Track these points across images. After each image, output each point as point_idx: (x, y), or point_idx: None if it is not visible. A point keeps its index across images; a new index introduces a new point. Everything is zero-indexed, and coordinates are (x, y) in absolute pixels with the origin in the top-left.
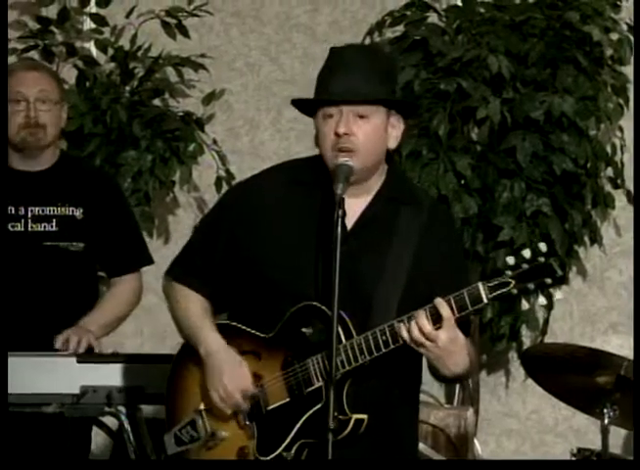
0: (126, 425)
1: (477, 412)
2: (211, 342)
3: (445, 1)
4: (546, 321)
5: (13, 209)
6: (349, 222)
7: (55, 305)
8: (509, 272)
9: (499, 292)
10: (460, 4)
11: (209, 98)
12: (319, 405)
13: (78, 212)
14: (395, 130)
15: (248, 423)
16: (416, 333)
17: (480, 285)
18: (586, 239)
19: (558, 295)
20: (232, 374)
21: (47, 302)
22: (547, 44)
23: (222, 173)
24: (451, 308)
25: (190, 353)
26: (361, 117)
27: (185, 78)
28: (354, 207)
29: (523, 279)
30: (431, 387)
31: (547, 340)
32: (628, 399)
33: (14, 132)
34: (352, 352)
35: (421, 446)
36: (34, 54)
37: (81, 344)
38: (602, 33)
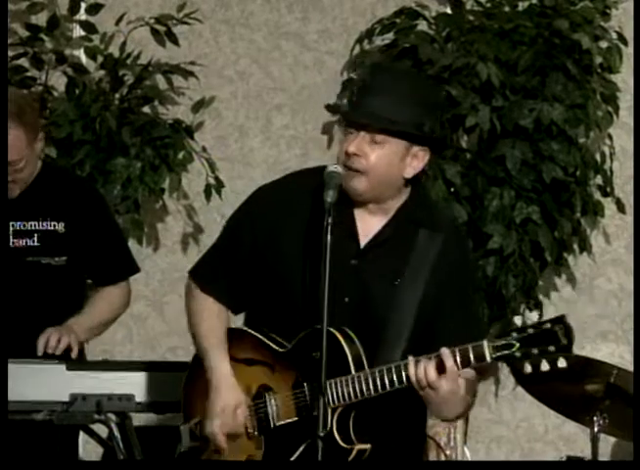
0: (116, 433)
1: (466, 420)
2: (219, 372)
3: (435, 9)
4: None
5: None
6: (364, 239)
7: (39, 320)
8: (515, 334)
9: (503, 353)
10: (449, 12)
11: (199, 105)
12: (325, 431)
13: (60, 227)
14: (416, 161)
15: (256, 434)
16: (421, 379)
17: (486, 343)
18: (575, 247)
19: (561, 363)
20: (226, 420)
21: (31, 317)
22: (536, 52)
23: (212, 181)
24: (455, 361)
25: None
26: (375, 142)
27: (174, 86)
28: (371, 225)
29: (527, 344)
30: None
31: None
32: (618, 407)
33: None
34: (359, 386)
35: None
36: (24, 61)
37: (61, 342)
38: (591, 41)
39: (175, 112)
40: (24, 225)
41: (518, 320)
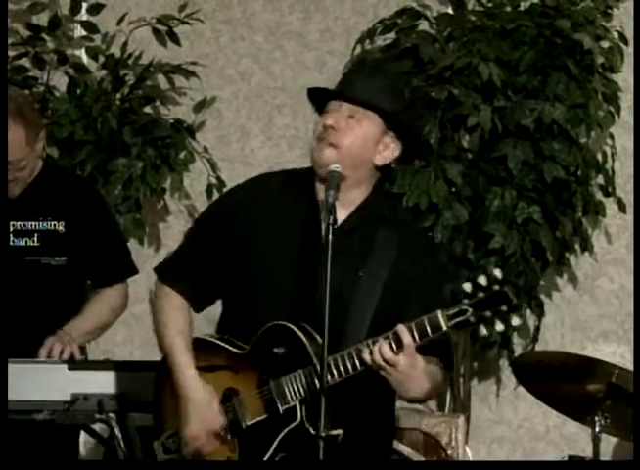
0: (117, 432)
1: (468, 420)
2: (186, 378)
3: (436, 9)
4: (537, 329)
5: None
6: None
7: (38, 320)
8: (466, 300)
9: (458, 320)
10: (451, 12)
11: (200, 105)
12: (296, 423)
13: (60, 226)
14: (387, 151)
15: (229, 438)
16: (377, 358)
17: (440, 313)
18: (577, 247)
19: (515, 321)
20: (202, 418)
21: (30, 316)
22: (538, 52)
23: (213, 181)
24: (412, 335)
25: (165, 365)
26: (351, 116)
27: (176, 86)
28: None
29: (479, 307)
30: None
31: (538, 347)
32: (619, 407)
33: None
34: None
35: (402, 447)
36: (25, 61)
37: (64, 353)
38: (593, 41)
39: (177, 112)
40: (25, 225)
41: (467, 287)
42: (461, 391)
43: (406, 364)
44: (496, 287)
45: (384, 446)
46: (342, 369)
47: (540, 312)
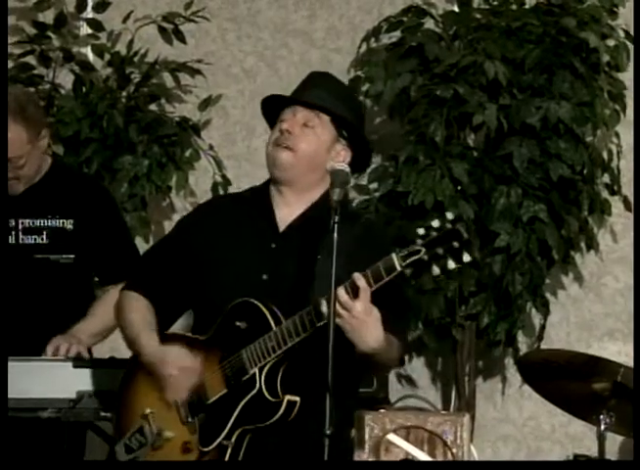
0: None
1: (473, 418)
2: (150, 344)
3: (442, 7)
4: (542, 327)
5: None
6: (282, 225)
7: (47, 317)
8: (419, 241)
9: (411, 259)
10: (457, 10)
11: (206, 103)
12: (254, 391)
13: (69, 224)
14: (338, 158)
15: (190, 420)
16: (334, 302)
17: (394, 255)
18: (583, 245)
19: (466, 257)
20: (177, 358)
21: (39, 314)
22: (544, 50)
23: (218, 179)
24: (367, 280)
25: (133, 367)
26: (305, 125)
27: (181, 84)
28: (289, 213)
29: (432, 245)
30: (427, 393)
31: (543, 346)
32: (625, 406)
33: None
34: (282, 336)
35: (412, 449)
36: (31, 59)
37: (70, 352)
38: (599, 39)
39: (182, 110)
40: (33, 222)
41: (421, 230)
42: (466, 389)
43: (362, 309)
44: (448, 226)
45: (343, 414)
46: (299, 328)
47: (546, 311)
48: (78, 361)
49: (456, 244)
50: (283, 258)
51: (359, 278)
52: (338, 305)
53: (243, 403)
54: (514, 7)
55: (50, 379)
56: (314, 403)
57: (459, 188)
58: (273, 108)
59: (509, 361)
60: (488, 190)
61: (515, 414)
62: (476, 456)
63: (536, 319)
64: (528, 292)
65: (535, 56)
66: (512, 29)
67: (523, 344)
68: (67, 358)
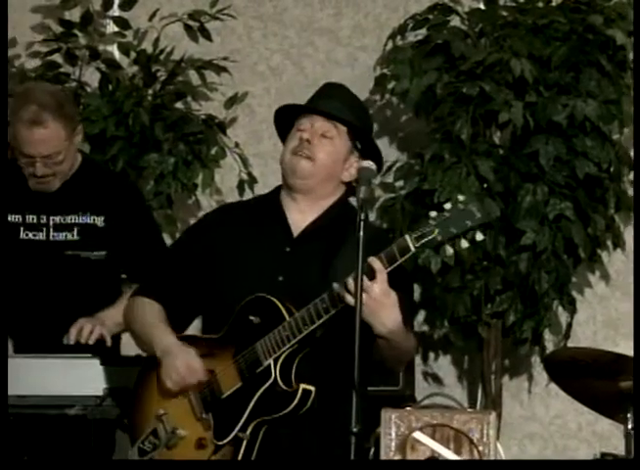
0: None
1: (499, 416)
2: (164, 339)
3: (468, 4)
4: (569, 325)
5: (35, 217)
6: (296, 231)
7: (77, 313)
8: (432, 222)
9: (425, 240)
10: (483, 7)
11: (232, 101)
12: (269, 382)
13: (100, 221)
14: (352, 169)
15: (204, 416)
16: (351, 285)
17: (407, 236)
18: (609, 243)
19: (479, 236)
20: (183, 359)
21: (69, 310)
22: (570, 48)
23: (244, 177)
24: (382, 262)
25: (144, 371)
26: (324, 135)
27: (207, 82)
28: (302, 219)
29: (445, 225)
30: (454, 391)
31: (570, 344)
32: None
33: (25, 173)
34: (296, 326)
35: (438, 447)
36: (57, 57)
37: (93, 334)
38: (625, 37)
39: (208, 107)
40: (64, 219)
41: (433, 213)
42: (492, 387)
43: (379, 291)
44: (460, 206)
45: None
46: (314, 315)
47: (572, 309)
48: (105, 359)
49: (469, 223)
50: (298, 262)
51: (374, 261)
52: (353, 285)
53: (258, 395)
54: (540, 4)
55: (77, 376)
56: (329, 394)
57: (485, 186)
58: (285, 116)
59: (535, 359)
60: (514, 188)
61: (541, 412)
62: (502, 454)
63: (563, 317)
64: (555, 290)
65: (562, 53)
66: (538, 27)
67: (549, 342)
68: (87, 345)
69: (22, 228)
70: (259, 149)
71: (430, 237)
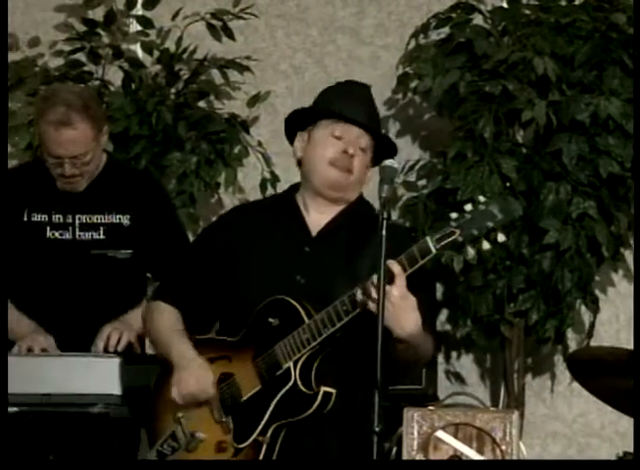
0: None
1: (522, 415)
2: (180, 350)
3: (491, 3)
4: (592, 324)
5: (61, 217)
6: (315, 230)
7: (103, 312)
8: (453, 223)
9: (446, 242)
10: (505, 6)
11: (254, 100)
12: (289, 385)
13: (125, 220)
14: (366, 172)
15: (224, 419)
16: (370, 289)
17: (428, 238)
18: (632, 242)
19: (500, 237)
20: (195, 375)
21: (95, 309)
22: (593, 46)
23: (267, 175)
24: (402, 265)
25: (164, 373)
26: (362, 149)
27: (230, 80)
28: (320, 218)
29: (466, 227)
30: (476, 390)
31: (593, 343)
32: None
33: (53, 173)
34: (316, 328)
35: (460, 446)
36: (81, 56)
37: (122, 341)
38: None
39: (231, 106)
40: (90, 218)
41: (454, 215)
42: (515, 386)
43: (398, 294)
44: (481, 207)
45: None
46: (334, 317)
47: (595, 308)
48: (128, 357)
49: (490, 224)
50: (317, 262)
51: (393, 264)
52: (373, 290)
53: (278, 398)
54: (563, 3)
55: (100, 374)
56: (350, 395)
57: (508, 185)
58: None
59: (558, 358)
60: (537, 187)
61: (564, 411)
62: (525, 453)
63: (586, 316)
64: (578, 289)
65: (585, 52)
66: (561, 25)
67: (572, 341)
68: (117, 352)
69: (48, 228)
70: (282, 147)
71: (450, 239)
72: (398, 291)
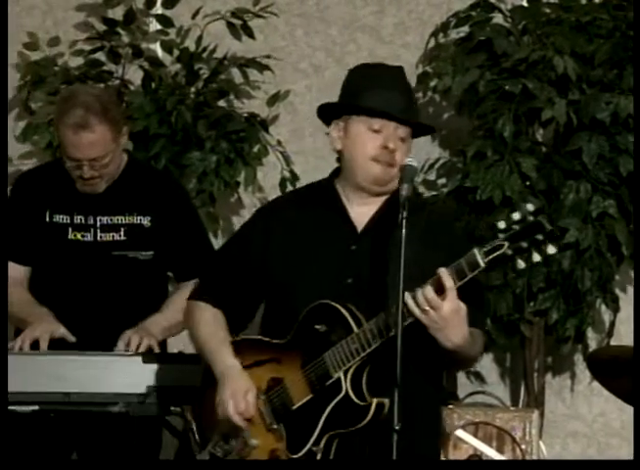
0: (192, 425)
1: (542, 415)
2: (223, 361)
3: (511, 2)
4: (612, 323)
5: (82, 218)
6: (360, 226)
7: (123, 313)
8: (501, 235)
9: (494, 255)
10: (525, 4)
11: (274, 99)
12: (340, 395)
13: (146, 221)
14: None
15: (276, 426)
16: (421, 300)
17: (476, 251)
18: None
19: (550, 249)
20: (236, 398)
21: (116, 310)
22: (613, 45)
23: (286, 174)
24: (451, 277)
25: (210, 374)
26: (402, 139)
27: (250, 79)
28: (364, 212)
29: (515, 239)
30: (496, 389)
31: (613, 342)
32: None
33: (72, 175)
34: (365, 339)
35: (480, 445)
36: (100, 55)
37: (141, 347)
38: None
39: (250, 105)
40: (111, 220)
41: (501, 224)
42: (535, 385)
43: (449, 308)
44: (530, 218)
45: (431, 415)
46: (383, 329)
47: (615, 307)
48: (148, 357)
49: (540, 236)
50: (365, 260)
51: (445, 275)
52: (425, 302)
53: (330, 408)
54: (583, 1)
55: (120, 373)
56: (404, 406)
57: (527, 183)
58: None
59: (578, 358)
60: (557, 185)
61: (584, 410)
62: (545, 452)
63: (606, 315)
64: (598, 288)
65: (605, 50)
66: (581, 24)
67: (592, 340)
68: (137, 353)
69: (70, 229)
70: (301, 146)
71: (499, 252)
72: (449, 304)
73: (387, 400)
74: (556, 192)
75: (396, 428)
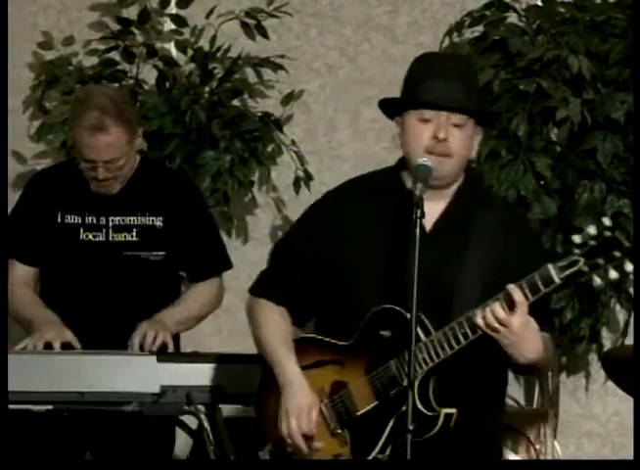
0: (206, 424)
1: (556, 414)
2: (286, 369)
3: (525, 1)
4: (627, 323)
5: (94, 218)
6: (428, 225)
7: (135, 313)
8: (577, 251)
9: (570, 271)
10: (540, 4)
11: (288, 98)
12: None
13: (159, 221)
14: (476, 140)
15: (340, 431)
16: (490, 319)
17: (551, 266)
18: None
19: (628, 267)
20: (299, 417)
21: (128, 310)
22: (628, 44)
23: (300, 174)
24: (524, 293)
25: (271, 372)
26: (456, 125)
27: (264, 79)
28: (432, 210)
29: (591, 255)
30: (511, 389)
31: (628, 342)
32: None
33: (86, 176)
34: (433, 349)
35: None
36: (115, 55)
37: (157, 340)
38: None
39: (265, 105)
40: (123, 220)
41: (577, 238)
42: (550, 385)
43: (519, 324)
44: (607, 233)
45: (496, 424)
46: (452, 341)
47: (630, 307)
48: (162, 356)
49: (617, 253)
50: (435, 263)
51: (515, 291)
52: (494, 320)
53: (396, 417)
54: (598, 0)
55: (134, 373)
56: (468, 414)
57: (542, 183)
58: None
59: (593, 357)
60: (572, 185)
61: (599, 410)
62: (559, 452)
63: (620, 315)
64: (612, 287)
65: (620, 50)
66: (596, 23)
67: (606, 340)
68: (152, 352)
69: (81, 229)
70: (315, 146)
71: (574, 268)
72: (520, 320)
73: (455, 410)
74: (570, 191)
75: (410, 428)
